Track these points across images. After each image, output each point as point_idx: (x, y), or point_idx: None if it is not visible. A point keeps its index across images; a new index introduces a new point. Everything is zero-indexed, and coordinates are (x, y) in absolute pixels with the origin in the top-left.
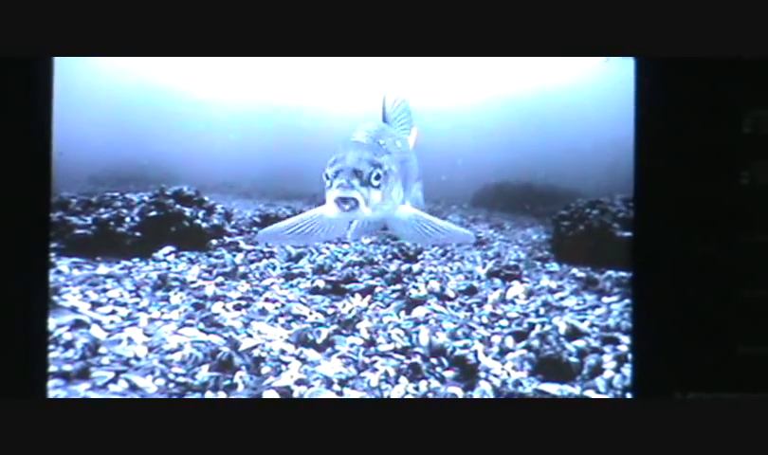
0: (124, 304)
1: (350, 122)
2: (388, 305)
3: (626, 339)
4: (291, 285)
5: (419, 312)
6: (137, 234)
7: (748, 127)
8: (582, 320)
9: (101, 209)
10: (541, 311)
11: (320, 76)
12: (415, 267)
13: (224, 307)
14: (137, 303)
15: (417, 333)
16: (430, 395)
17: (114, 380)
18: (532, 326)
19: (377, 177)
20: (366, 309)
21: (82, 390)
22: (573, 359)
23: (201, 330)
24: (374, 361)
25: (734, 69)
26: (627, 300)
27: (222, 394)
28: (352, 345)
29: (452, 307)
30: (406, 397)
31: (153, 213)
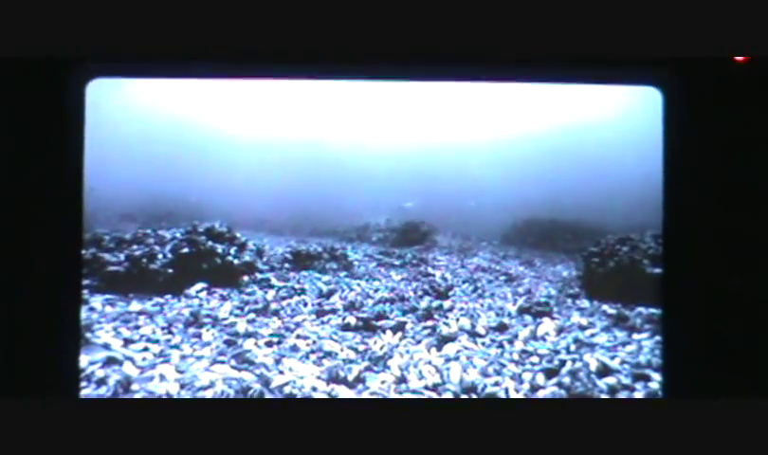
0: (156, 341)
1: (382, 158)
2: (419, 342)
3: (657, 376)
4: (322, 322)
5: (450, 348)
6: (170, 271)
7: None
8: (613, 357)
9: (134, 246)
10: (572, 348)
11: (353, 110)
12: (446, 304)
13: (255, 344)
14: (169, 340)
15: (448, 369)
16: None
17: None
18: (563, 363)
19: None
20: (397, 346)
21: None
22: (604, 396)
23: (233, 367)
24: (406, 398)
25: (762, 103)
26: (657, 337)
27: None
28: (383, 382)
29: (483, 344)
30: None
31: (185, 250)
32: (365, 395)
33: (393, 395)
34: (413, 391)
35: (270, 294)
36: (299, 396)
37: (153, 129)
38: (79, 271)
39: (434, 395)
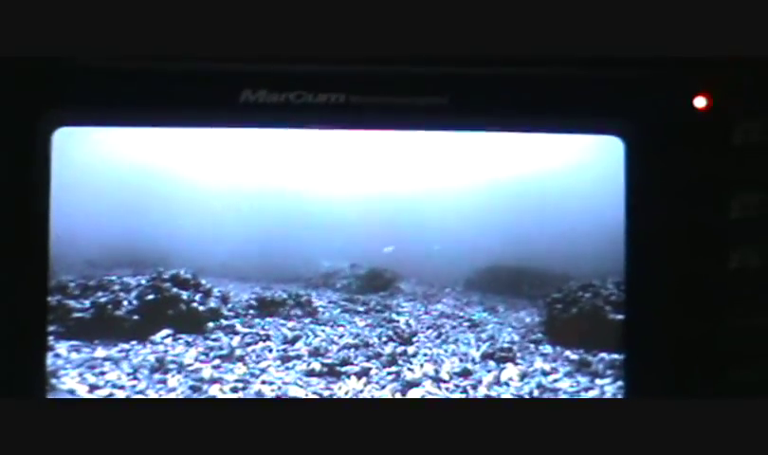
0: (122, 387)
1: (346, 205)
2: (383, 387)
3: None
4: (287, 368)
5: (415, 394)
6: (135, 317)
7: (736, 212)
8: None
9: (99, 293)
10: (535, 393)
11: (317, 157)
12: (410, 350)
13: (221, 390)
14: (134, 386)
15: None
16: None
17: None
18: None
19: None
20: (362, 391)
21: None
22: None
23: None
24: None
25: (720, 154)
26: (620, 382)
27: None
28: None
29: (447, 389)
30: (401, 398)
31: (150, 297)
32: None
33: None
34: None
35: (235, 340)
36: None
37: (118, 176)
38: (44, 317)
39: None
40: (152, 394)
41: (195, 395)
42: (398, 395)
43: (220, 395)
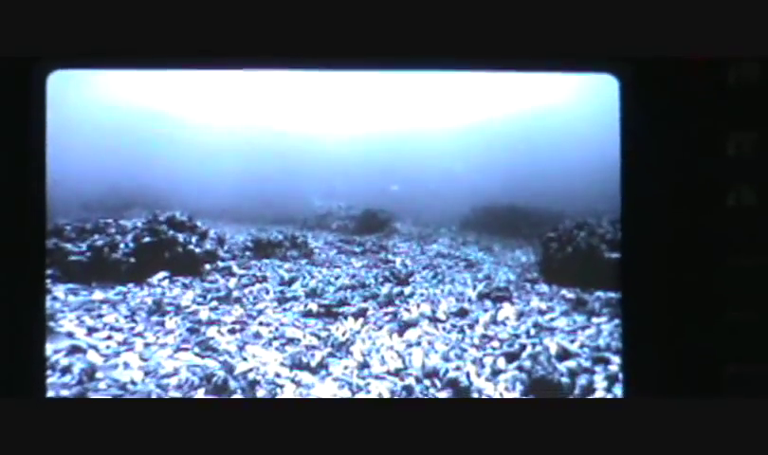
0: (120, 329)
1: (341, 146)
2: (380, 328)
3: (616, 359)
4: (284, 309)
5: (412, 334)
6: (132, 260)
7: (732, 149)
8: (573, 341)
9: (96, 236)
10: (532, 332)
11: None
12: (407, 290)
13: (218, 331)
14: (132, 328)
15: (410, 354)
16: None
17: None
18: (523, 347)
19: None
20: (359, 331)
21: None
22: (564, 379)
23: (196, 354)
24: (368, 383)
25: (717, 93)
26: (616, 321)
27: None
28: (345, 368)
29: (444, 329)
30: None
31: (146, 239)
32: (330, 381)
33: (355, 380)
34: (376, 377)
35: (232, 282)
36: (264, 387)
37: (113, 118)
38: (42, 261)
39: (397, 380)
40: (149, 337)
41: (193, 337)
42: (395, 335)
43: (218, 338)
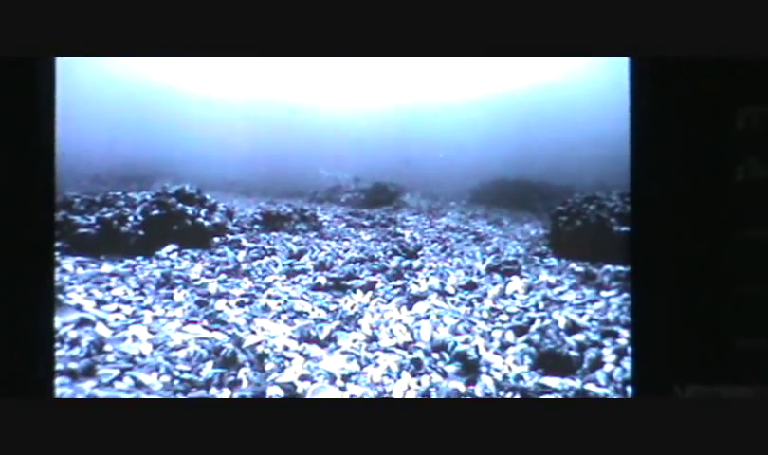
0: (128, 302)
1: (349, 120)
2: (389, 301)
3: (625, 333)
4: (293, 282)
5: (420, 307)
6: (141, 233)
7: (741, 123)
8: (581, 314)
9: (105, 209)
10: (541, 306)
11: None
12: (416, 263)
13: (227, 304)
14: (141, 301)
15: (419, 328)
16: (432, 390)
17: (119, 377)
18: (532, 321)
19: None
20: (367, 305)
21: (87, 387)
22: (573, 353)
23: (205, 327)
24: (377, 357)
25: (725, 67)
26: (625, 294)
27: (226, 390)
28: (354, 341)
29: (453, 302)
30: (403, 397)
31: (155, 212)
32: (338, 354)
33: (363, 353)
34: (385, 350)
35: (241, 255)
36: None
37: (123, 92)
38: (51, 233)
39: (405, 353)
40: (158, 309)
41: (202, 310)
42: (404, 309)
43: (226, 311)
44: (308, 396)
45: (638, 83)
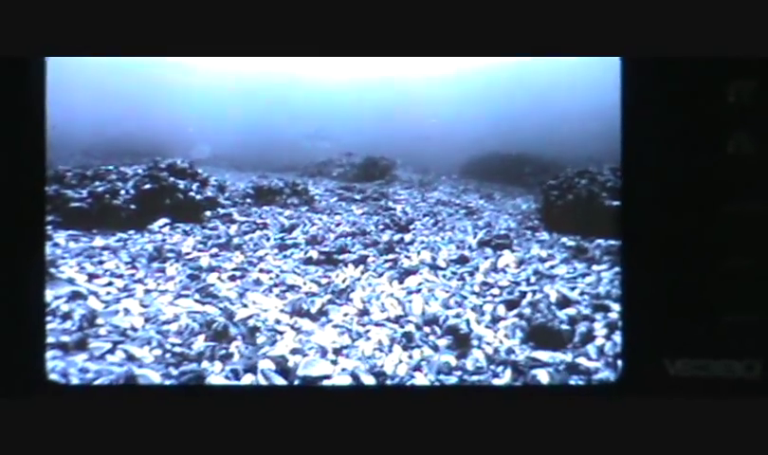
0: (120, 276)
1: (341, 93)
2: (381, 275)
3: (616, 307)
4: (285, 256)
5: (412, 281)
6: (133, 207)
7: (732, 97)
8: (573, 289)
9: (96, 183)
10: (532, 280)
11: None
12: (407, 237)
13: (219, 278)
14: (133, 275)
15: (410, 302)
16: (424, 364)
17: (111, 351)
18: (523, 294)
19: None
20: (359, 279)
21: (79, 360)
22: (564, 327)
23: (197, 300)
24: (368, 330)
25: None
26: (616, 268)
27: (218, 364)
28: (345, 314)
29: (444, 277)
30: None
31: (147, 186)
32: (330, 328)
33: (355, 327)
34: (376, 324)
35: (233, 229)
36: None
37: (114, 65)
38: (42, 207)
39: (396, 327)
40: (150, 283)
41: (194, 284)
42: (396, 283)
43: (218, 284)
44: (300, 370)
45: (629, 65)
